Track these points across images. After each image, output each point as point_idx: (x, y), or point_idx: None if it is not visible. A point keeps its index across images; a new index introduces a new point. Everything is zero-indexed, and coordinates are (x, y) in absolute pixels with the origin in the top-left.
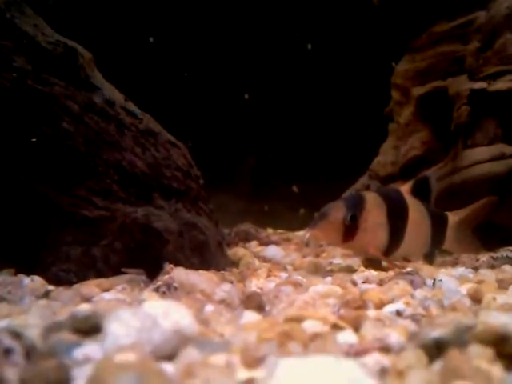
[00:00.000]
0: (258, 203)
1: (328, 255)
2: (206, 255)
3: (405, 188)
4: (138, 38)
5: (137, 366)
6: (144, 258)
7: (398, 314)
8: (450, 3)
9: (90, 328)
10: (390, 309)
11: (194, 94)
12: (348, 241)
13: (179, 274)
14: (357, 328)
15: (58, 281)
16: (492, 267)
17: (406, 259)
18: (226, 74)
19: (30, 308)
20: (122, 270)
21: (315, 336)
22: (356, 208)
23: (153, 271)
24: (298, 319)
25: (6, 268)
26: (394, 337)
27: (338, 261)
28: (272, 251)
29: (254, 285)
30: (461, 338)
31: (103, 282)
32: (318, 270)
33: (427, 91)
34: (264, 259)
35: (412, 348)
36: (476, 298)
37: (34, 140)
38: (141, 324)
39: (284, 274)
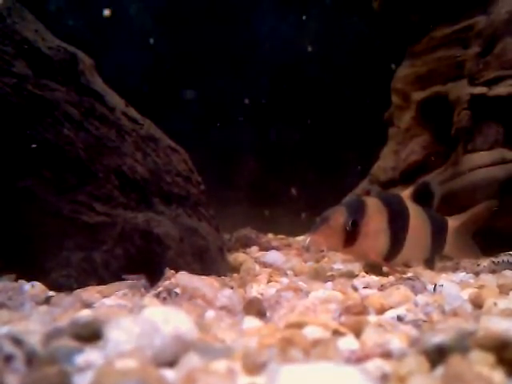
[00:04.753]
0: (258, 208)
1: (329, 260)
2: (206, 261)
3: (405, 193)
4: None
5: (137, 372)
6: (145, 263)
7: (399, 319)
8: (450, 8)
9: (90, 334)
10: (391, 314)
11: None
12: (349, 246)
13: (182, 278)
14: (358, 334)
15: (58, 287)
16: (493, 272)
17: (407, 264)
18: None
19: (31, 314)
20: (123, 276)
21: (316, 342)
22: (357, 213)
23: (153, 277)
24: (299, 325)
25: (6, 274)
26: (395, 342)
27: (338, 266)
28: (273, 256)
29: (255, 290)
30: (462, 344)
31: (104, 287)
32: (319, 276)
33: (427, 96)
34: (265, 264)
35: (413, 354)
36: (477, 304)
37: (34, 146)
38: (141, 330)
39: (285, 280)
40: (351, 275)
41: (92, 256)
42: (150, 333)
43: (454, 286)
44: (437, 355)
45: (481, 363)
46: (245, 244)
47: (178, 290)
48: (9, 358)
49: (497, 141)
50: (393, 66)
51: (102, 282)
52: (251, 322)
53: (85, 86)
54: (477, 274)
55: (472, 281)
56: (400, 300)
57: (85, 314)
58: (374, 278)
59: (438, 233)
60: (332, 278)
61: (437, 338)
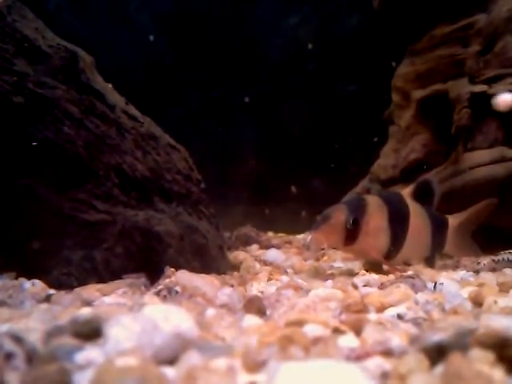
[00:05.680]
0: (258, 207)
1: (329, 259)
2: (206, 259)
3: (406, 192)
4: None
5: (138, 370)
6: (145, 261)
7: (400, 317)
8: (450, 6)
9: (90, 332)
10: (391, 312)
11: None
12: (349, 244)
13: (182, 277)
14: (358, 332)
15: (58, 285)
16: (493, 270)
17: (407, 263)
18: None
19: (31, 312)
20: (123, 276)
21: (316, 340)
22: (358, 211)
23: (154, 275)
24: (299, 323)
25: (6, 272)
26: (396, 341)
27: (338, 264)
28: (273, 255)
29: (255, 288)
30: (462, 342)
31: (104, 285)
32: (319, 274)
33: (428, 94)
34: (265, 263)
35: (413, 352)
36: (477, 302)
37: (34, 144)
38: (141, 328)
39: (285, 278)
40: (351, 273)
41: (92, 254)
42: (150, 331)
43: (454, 284)
44: (437, 353)
45: (481, 361)
46: (245, 242)
47: (178, 288)
48: (9, 356)
49: (497, 139)
50: (393, 64)
51: (102, 280)
52: (251, 320)
53: (85, 84)
54: (477, 272)
55: (472, 279)
56: (400, 298)
57: (85, 312)
58: (374, 276)
59: (439, 231)
60: (332, 276)
61: (437, 336)
